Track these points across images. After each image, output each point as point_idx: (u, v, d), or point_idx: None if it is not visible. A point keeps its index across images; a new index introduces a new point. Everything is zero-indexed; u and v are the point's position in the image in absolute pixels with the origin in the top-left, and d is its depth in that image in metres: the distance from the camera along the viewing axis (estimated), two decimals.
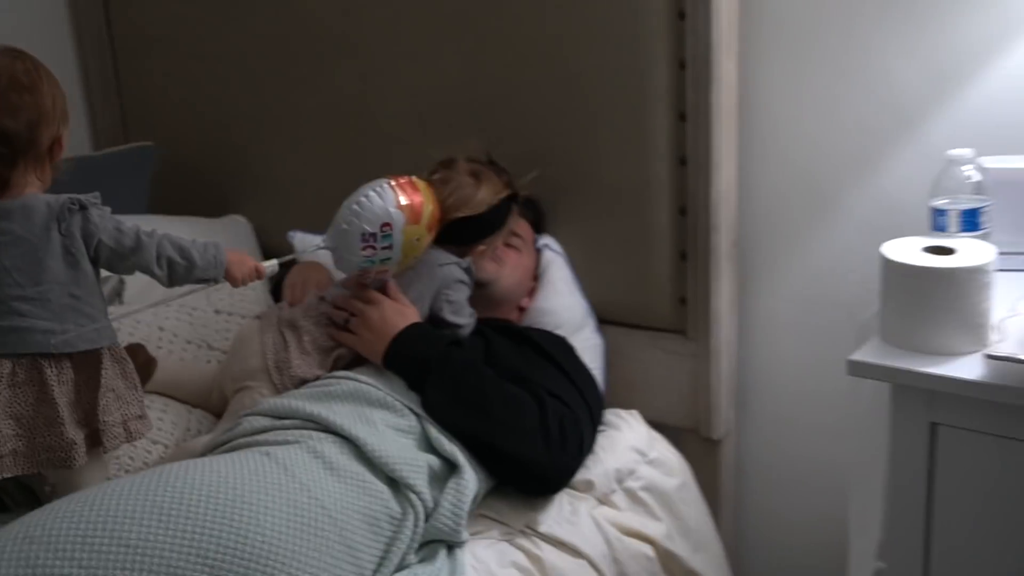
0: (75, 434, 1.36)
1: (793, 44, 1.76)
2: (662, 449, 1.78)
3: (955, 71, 1.61)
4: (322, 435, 1.43)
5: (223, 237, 2.19)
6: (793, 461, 1.94)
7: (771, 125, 1.82)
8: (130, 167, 2.34)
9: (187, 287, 1.53)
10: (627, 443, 1.73)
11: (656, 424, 1.85)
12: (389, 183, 1.62)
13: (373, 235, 1.58)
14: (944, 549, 1.24)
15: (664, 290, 1.87)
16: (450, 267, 1.71)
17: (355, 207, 1.60)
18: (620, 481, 1.67)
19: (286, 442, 1.41)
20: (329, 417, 1.45)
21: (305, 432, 1.44)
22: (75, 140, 2.52)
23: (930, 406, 1.21)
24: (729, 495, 1.95)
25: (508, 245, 1.85)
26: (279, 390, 1.60)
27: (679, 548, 1.68)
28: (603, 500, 1.63)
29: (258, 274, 1.56)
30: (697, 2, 1.69)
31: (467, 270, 1.73)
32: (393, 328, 1.60)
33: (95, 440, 1.39)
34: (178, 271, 1.46)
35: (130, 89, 2.56)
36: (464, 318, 1.70)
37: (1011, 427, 1.16)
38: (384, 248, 1.60)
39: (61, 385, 1.37)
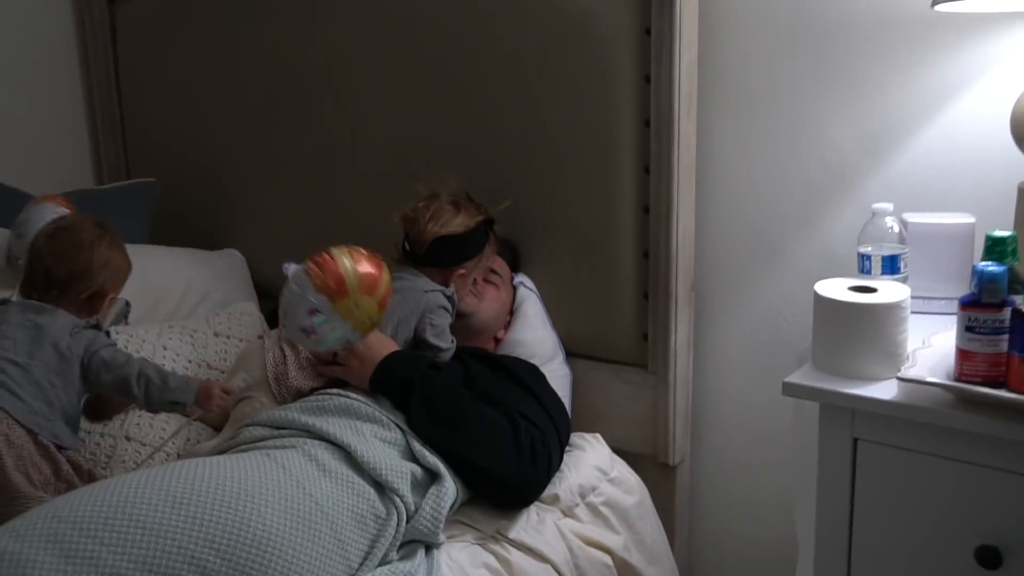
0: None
1: (746, 109, 1.92)
2: (622, 470, 1.93)
3: (884, 137, 1.78)
4: (316, 442, 1.58)
5: (219, 270, 2.37)
6: (743, 485, 2.07)
7: (725, 180, 1.97)
8: (133, 201, 2.46)
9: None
10: (590, 462, 1.88)
11: (617, 450, 1.98)
12: (304, 269, 1.63)
13: (308, 327, 1.61)
14: (864, 548, 1.40)
15: (627, 327, 2.00)
16: (435, 294, 1.87)
17: (282, 308, 1.64)
18: (583, 496, 1.81)
19: (284, 447, 1.56)
20: (322, 427, 1.60)
21: (300, 439, 1.58)
22: (81, 174, 2.72)
23: (852, 423, 1.37)
24: (684, 516, 2.09)
25: (487, 281, 2.01)
26: (277, 400, 1.75)
27: (635, 559, 1.83)
28: (567, 512, 1.77)
29: (227, 392, 1.71)
30: (661, 68, 1.84)
31: (450, 298, 1.88)
32: (377, 355, 1.74)
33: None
34: (152, 391, 1.65)
35: (133, 128, 2.70)
36: (445, 343, 1.85)
37: (920, 442, 1.32)
38: (324, 328, 1.61)
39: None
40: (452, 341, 1.87)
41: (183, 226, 2.55)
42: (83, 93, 2.72)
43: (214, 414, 1.80)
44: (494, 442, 1.69)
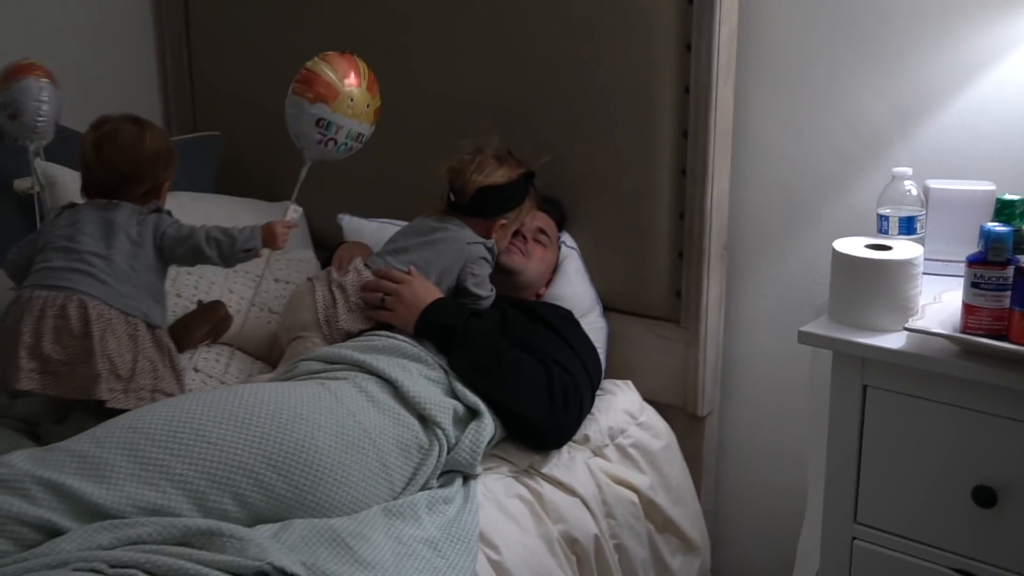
0: (103, 369, 1.66)
1: (783, 77, 2.01)
2: (651, 416, 2.05)
3: (913, 106, 1.86)
4: (366, 376, 1.71)
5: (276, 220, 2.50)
6: (769, 437, 2.17)
7: (759, 145, 2.06)
8: (200, 153, 2.61)
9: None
10: (620, 407, 2.00)
11: (649, 400, 2.10)
12: (292, 90, 1.88)
13: (321, 137, 1.85)
14: (870, 487, 1.51)
15: (662, 284, 2.10)
16: (476, 246, 1.99)
17: (294, 135, 1.88)
18: (612, 438, 1.93)
19: (337, 379, 1.69)
20: (372, 363, 1.73)
21: (352, 373, 1.72)
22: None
23: (863, 371, 1.48)
24: (711, 465, 2.20)
25: (536, 241, 2.12)
26: (328, 341, 1.89)
27: (660, 499, 1.95)
28: (597, 452, 1.90)
29: (288, 227, 1.88)
30: (701, 36, 1.93)
31: (490, 250, 2.00)
32: (423, 302, 1.87)
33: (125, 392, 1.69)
34: (224, 247, 1.81)
35: (202, 84, 2.84)
36: (485, 291, 1.98)
37: (925, 389, 1.42)
38: (337, 132, 1.85)
39: (100, 330, 1.69)
40: (492, 290, 1.99)
41: (245, 179, 2.68)
42: (156, 50, 2.88)
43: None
44: (528, 388, 1.81)
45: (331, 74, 1.84)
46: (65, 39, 2.60)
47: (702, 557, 2.06)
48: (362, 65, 1.88)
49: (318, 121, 1.82)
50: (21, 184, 2.21)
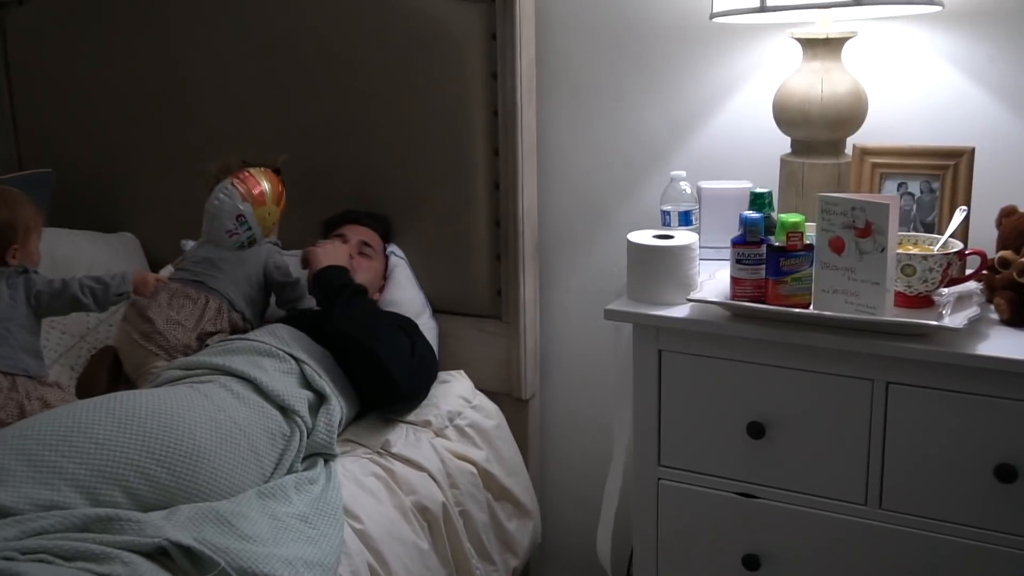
0: None
1: (578, 100, 2.31)
2: (482, 400, 2.32)
3: (686, 121, 2.20)
4: (227, 377, 1.90)
5: (116, 250, 2.63)
6: (584, 413, 2.47)
7: (561, 159, 2.36)
8: (32, 189, 2.64)
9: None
10: (456, 393, 2.26)
11: (479, 389, 2.34)
12: (232, 183, 2.15)
13: (233, 227, 2.12)
14: (669, 434, 1.82)
15: (483, 284, 2.36)
16: (265, 244, 2.26)
17: (212, 211, 2.14)
18: (451, 420, 2.19)
19: (203, 381, 1.88)
20: (230, 365, 1.92)
21: (214, 375, 1.91)
22: None
23: (657, 338, 1.79)
24: (536, 440, 2.48)
25: (362, 254, 2.34)
26: (168, 357, 2.08)
27: (495, 470, 2.21)
28: (438, 433, 2.14)
29: (158, 282, 2.11)
30: (505, 66, 2.20)
31: (275, 243, 2.28)
32: (323, 262, 2.14)
33: None
34: (98, 294, 2.03)
35: (25, 124, 2.90)
36: (292, 276, 2.24)
37: (703, 348, 1.75)
38: (246, 231, 2.14)
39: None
40: (298, 277, 2.26)
41: (79, 212, 2.76)
42: None
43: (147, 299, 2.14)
44: (396, 346, 2.06)
45: (267, 186, 2.14)
46: None
47: (534, 520, 2.34)
48: (283, 189, 2.20)
49: (239, 216, 2.10)
50: None
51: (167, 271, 2.20)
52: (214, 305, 2.17)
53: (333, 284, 2.10)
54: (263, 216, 2.15)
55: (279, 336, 2.04)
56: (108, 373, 2.14)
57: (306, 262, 2.18)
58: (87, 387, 2.10)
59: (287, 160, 2.32)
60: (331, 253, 2.17)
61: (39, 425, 1.66)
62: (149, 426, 1.69)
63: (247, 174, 2.15)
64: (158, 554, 1.52)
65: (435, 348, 2.35)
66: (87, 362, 2.19)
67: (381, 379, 2.03)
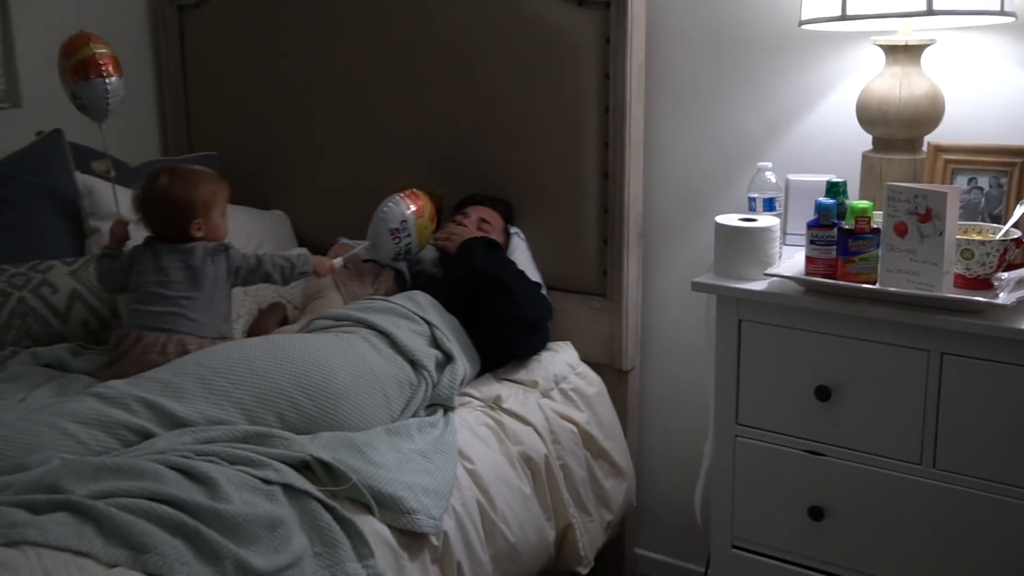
0: None
1: (681, 98, 2.53)
2: (585, 368, 2.56)
3: (780, 119, 2.40)
4: (367, 331, 2.21)
5: (269, 225, 2.98)
6: (680, 387, 2.68)
7: (665, 152, 2.58)
8: None
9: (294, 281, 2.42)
10: (563, 360, 2.51)
11: (584, 360, 2.58)
12: (399, 195, 2.44)
13: (397, 230, 2.39)
14: (746, 395, 2.04)
15: (591, 265, 2.59)
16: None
17: (381, 215, 2.41)
18: (556, 383, 2.44)
19: (347, 331, 2.19)
20: (371, 320, 2.22)
21: (357, 328, 2.21)
22: (150, 149, 3.29)
23: (738, 309, 2.02)
24: (635, 409, 2.70)
25: (479, 229, 2.58)
26: (344, 300, 2.39)
27: (595, 432, 2.45)
28: (544, 394, 2.40)
29: (332, 268, 2.43)
30: (617, 68, 2.43)
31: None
32: (466, 236, 2.45)
33: None
34: (286, 271, 2.35)
35: (196, 113, 3.28)
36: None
37: (779, 319, 1.96)
38: (406, 237, 2.41)
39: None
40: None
41: (239, 192, 3.05)
42: (155, 85, 3.32)
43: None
44: (527, 291, 2.38)
45: (426, 203, 2.46)
46: None
47: (628, 482, 2.56)
48: (436, 214, 2.53)
49: (403, 221, 2.40)
50: (98, 166, 2.54)
51: (339, 262, 2.50)
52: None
53: (478, 242, 2.41)
54: (421, 227, 2.43)
55: (416, 302, 2.33)
56: (275, 325, 2.47)
57: (445, 247, 2.48)
58: (256, 333, 2.43)
59: (446, 194, 2.63)
60: (464, 231, 2.47)
61: (214, 356, 1.99)
62: (300, 364, 2.00)
63: (412, 191, 2.46)
64: (301, 467, 1.82)
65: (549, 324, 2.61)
66: (257, 314, 2.52)
67: (508, 305, 2.32)
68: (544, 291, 2.65)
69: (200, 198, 2.32)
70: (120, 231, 2.38)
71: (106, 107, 2.39)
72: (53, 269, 2.51)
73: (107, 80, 2.38)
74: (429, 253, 2.59)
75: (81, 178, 2.69)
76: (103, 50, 2.40)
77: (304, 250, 2.43)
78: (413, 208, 2.42)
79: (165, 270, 2.25)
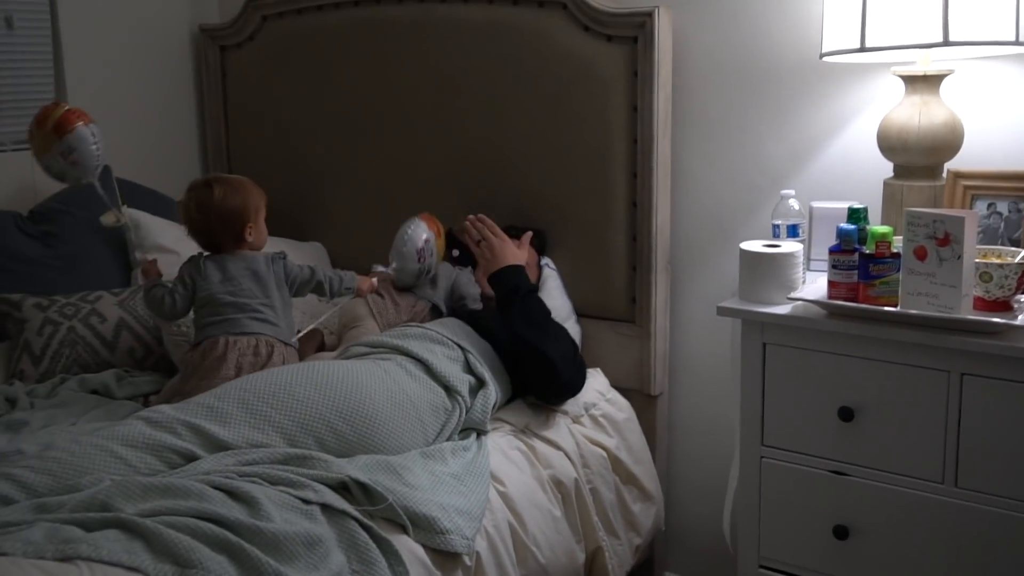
0: None
1: (707, 130, 2.59)
2: (615, 395, 2.61)
3: (803, 149, 2.46)
4: (403, 357, 2.27)
5: (308, 256, 3.07)
6: (708, 412, 2.73)
7: (692, 182, 2.64)
8: None
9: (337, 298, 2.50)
10: (593, 387, 2.55)
11: (614, 386, 2.63)
12: (418, 218, 2.54)
13: (421, 250, 2.48)
14: (771, 417, 2.08)
15: (620, 292, 2.65)
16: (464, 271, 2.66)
17: (406, 237, 2.50)
18: (587, 409, 2.48)
19: (384, 358, 2.26)
20: (407, 347, 2.28)
21: (392, 355, 2.28)
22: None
23: (762, 333, 2.07)
24: (663, 434, 2.75)
25: None
26: (380, 328, 2.47)
27: (624, 457, 2.50)
28: (575, 420, 2.44)
29: (372, 286, 2.51)
30: (644, 100, 2.50)
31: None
32: (503, 260, 2.44)
33: None
34: (334, 285, 2.44)
35: (237, 150, 3.38)
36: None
37: (802, 342, 2.01)
38: (429, 257, 2.50)
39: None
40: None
41: (277, 225, 3.16)
42: (197, 122, 3.44)
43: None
44: (564, 349, 2.37)
45: (440, 225, 2.57)
46: (121, 116, 3.16)
47: (657, 507, 2.60)
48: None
49: (426, 240, 2.50)
50: (107, 219, 2.56)
51: (374, 281, 2.57)
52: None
53: (509, 284, 2.41)
54: (440, 248, 2.54)
55: (450, 328, 2.40)
56: (312, 351, 2.55)
57: (480, 251, 2.48)
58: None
59: (460, 229, 2.69)
60: (515, 252, 2.48)
61: (257, 381, 2.07)
62: (338, 389, 2.07)
63: (426, 214, 2.56)
64: (339, 488, 1.88)
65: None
66: (298, 342, 2.60)
67: (549, 375, 2.33)
68: (575, 320, 2.71)
69: (252, 204, 2.42)
70: (154, 269, 2.44)
71: (96, 154, 2.42)
72: (101, 299, 2.62)
73: (89, 127, 2.41)
74: (471, 289, 2.64)
75: (126, 211, 2.79)
76: (72, 107, 2.44)
77: (351, 272, 2.49)
78: (433, 229, 2.53)
79: (234, 279, 2.33)
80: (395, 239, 2.52)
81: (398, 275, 2.55)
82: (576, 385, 2.40)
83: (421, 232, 2.50)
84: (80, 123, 2.39)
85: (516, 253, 2.49)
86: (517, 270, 2.44)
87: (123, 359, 2.58)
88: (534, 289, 2.47)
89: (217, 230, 2.38)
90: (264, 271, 2.36)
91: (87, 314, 2.57)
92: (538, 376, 2.36)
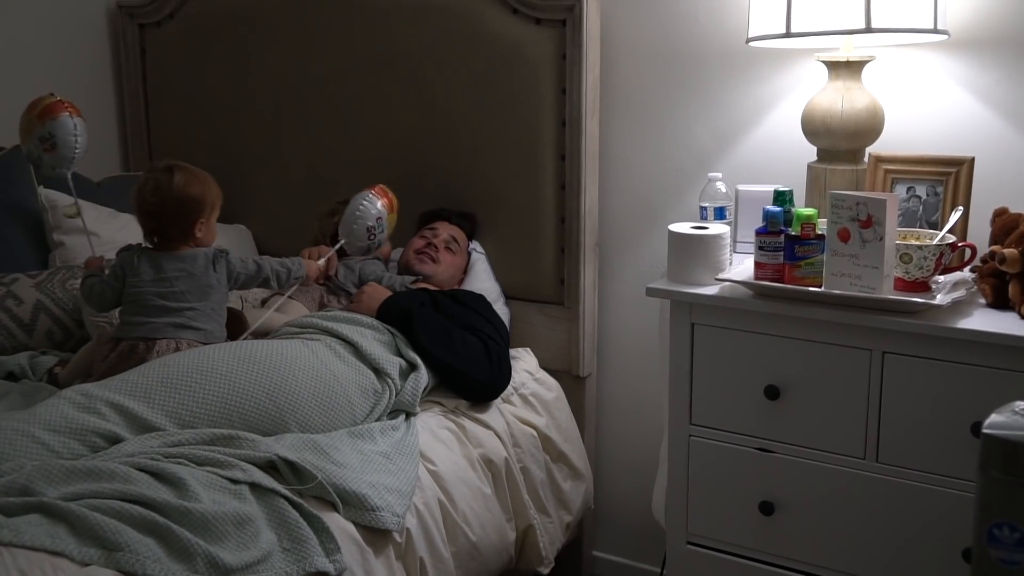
0: None
1: (634, 113, 2.62)
2: (544, 375, 2.63)
3: (728, 132, 2.50)
4: (332, 339, 2.26)
5: (232, 238, 3.02)
6: (635, 391, 2.76)
7: (620, 164, 2.67)
8: None
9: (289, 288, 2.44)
10: (522, 367, 2.57)
11: (543, 367, 2.65)
12: (371, 192, 2.51)
13: (372, 227, 2.46)
14: (698, 397, 2.12)
15: (549, 274, 2.67)
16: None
17: (358, 212, 2.48)
18: (516, 389, 2.50)
19: (313, 339, 2.23)
20: (337, 329, 2.27)
21: (322, 336, 2.26)
22: (110, 164, 3.31)
23: (691, 313, 2.10)
24: (592, 414, 2.78)
25: (448, 249, 2.67)
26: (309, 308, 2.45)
27: (554, 435, 2.52)
28: (505, 400, 2.45)
29: (321, 271, 2.47)
30: (573, 83, 2.52)
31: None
32: (381, 296, 2.43)
33: None
34: (282, 277, 2.37)
35: (157, 128, 3.31)
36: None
37: (730, 322, 2.05)
38: (380, 233, 2.48)
39: None
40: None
41: None
42: (115, 100, 3.35)
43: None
44: (474, 357, 2.36)
45: (393, 198, 2.57)
46: (36, 93, 3.04)
47: (587, 485, 2.64)
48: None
49: (378, 219, 2.49)
50: (68, 211, 2.63)
51: (321, 263, 2.54)
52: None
53: (397, 312, 2.37)
54: (390, 222, 2.52)
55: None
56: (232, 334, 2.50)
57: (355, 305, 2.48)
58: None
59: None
60: (373, 294, 2.46)
61: (181, 359, 2.03)
62: (265, 367, 2.05)
63: (380, 187, 2.54)
64: (268, 467, 1.87)
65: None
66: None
67: (466, 385, 2.36)
68: (503, 303, 2.72)
69: (210, 198, 2.32)
70: (96, 263, 2.36)
71: (74, 145, 2.45)
72: (17, 281, 2.54)
73: (74, 119, 2.46)
74: (395, 280, 2.63)
75: (44, 192, 2.72)
76: (64, 99, 2.51)
77: (298, 259, 2.45)
78: (385, 203, 2.51)
79: (168, 280, 2.23)
80: (346, 212, 2.51)
81: (347, 248, 2.53)
82: (498, 383, 2.40)
83: (372, 209, 2.49)
84: (66, 113, 2.47)
85: (380, 288, 2.50)
86: (394, 299, 2.44)
87: (41, 342, 2.51)
88: (424, 301, 2.44)
89: (169, 217, 2.26)
90: (201, 271, 2.25)
91: (2, 296, 2.49)
92: (454, 386, 2.37)
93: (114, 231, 2.74)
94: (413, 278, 2.62)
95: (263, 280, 2.35)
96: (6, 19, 2.99)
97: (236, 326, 2.39)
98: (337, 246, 2.51)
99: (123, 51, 3.30)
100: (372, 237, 2.48)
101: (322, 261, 2.50)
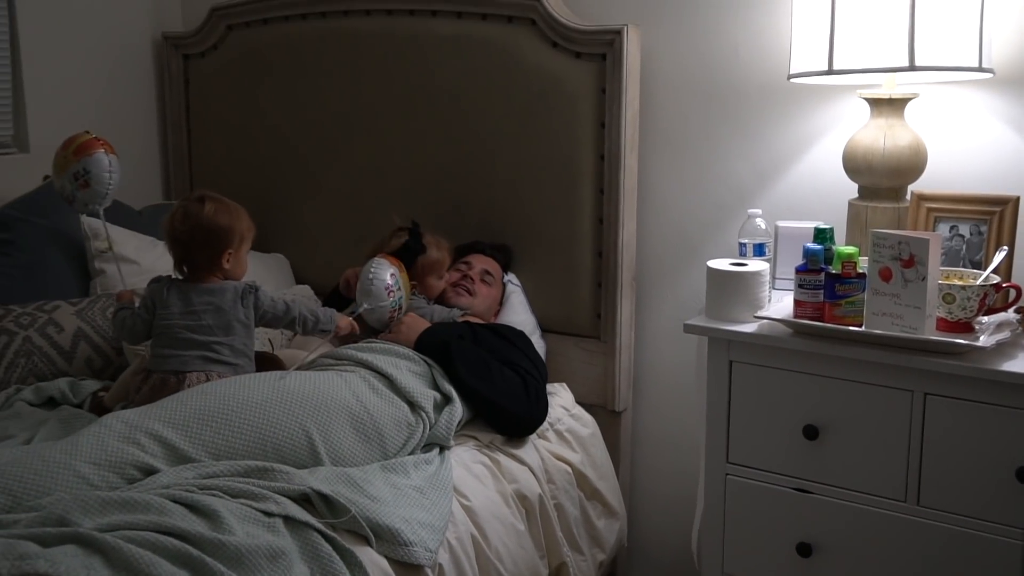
0: None
1: (673, 147, 2.61)
2: (580, 410, 2.61)
3: (769, 168, 2.48)
4: (367, 371, 2.26)
5: (270, 266, 3.04)
6: (672, 428, 2.74)
7: (658, 199, 2.66)
8: None
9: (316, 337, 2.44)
10: (558, 402, 2.56)
11: (578, 401, 2.64)
12: (377, 258, 2.46)
13: (390, 286, 2.40)
14: (737, 434, 2.09)
15: (585, 308, 2.66)
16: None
17: (371, 275, 2.42)
18: (552, 425, 2.48)
19: (347, 371, 2.24)
20: (373, 361, 2.27)
21: (357, 368, 2.26)
22: (152, 193, 3.35)
23: (728, 350, 2.08)
24: (627, 449, 2.76)
25: (483, 281, 2.66)
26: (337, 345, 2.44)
27: (588, 472, 2.50)
28: (540, 435, 2.43)
29: (353, 328, 2.42)
30: (612, 117, 2.52)
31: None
32: (420, 326, 2.43)
33: None
34: (308, 324, 2.34)
35: (199, 158, 3.35)
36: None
37: (768, 360, 2.03)
38: (396, 290, 2.42)
39: None
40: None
41: None
42: (159, 129, 3.40)
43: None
44: (512, 391, 2.35)
45: (397, 262, 2.49)
46: (81, 123, 3.07)
47: (620, 522, 2.61)
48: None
49: (392, 275, 2.43)
50: (100, 245, 2.66)
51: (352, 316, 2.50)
52: None
53: (437, 344, 2.37)
54: (405, 282, 2.47)
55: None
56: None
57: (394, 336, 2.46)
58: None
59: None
60: (413, 324, 2.46)
61: (218, 389, 2.04)
62: (296, 398, 2.05)
63: (382, 254, 2.48)
64: (301, 500, 1.86)
65: None
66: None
67: (502, 419, 2.34)
68: (539, 336, 2.71)
69: (239, 229, 2.31)
70: (128, 296, 2.37)
71: (108, 181, 2.45)
72: (59, 309, 2.57)
73: (108, 156, 2.45)
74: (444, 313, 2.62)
75: (86, 221, 2.75)
76: (100, 136, 2.51)
77: (331, 310, 2.42)
78: (395, 266, 2.47)
79: (196, 313, 2.22)
80: (359, 281, 2.44)
81: (369, 315, 2.49)
82: (535, 418, 2.39)
83: (385, 270, 2.43)
84: (101, 150, 2.46)
85: (418, 319, 2.49)
86: (433, 330, 2.43)
87: (81, 370, 2.53)
88: (462, 334, 2.43)
89: (197, 245, 2.25)
90: (230, 306, 2.24)
91: (43, 324, 2.52)
92: (490, 419, 2.36)
93: (153, 259, 2.76)
94: (462, 312, 2.61)
95: (289, 322, 2.33)
96: (55, 50, 3.05)
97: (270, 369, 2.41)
98: (356, 311, 2.48)
99: (167, 81, 3.35)
100: (391, 295, 2.41)
101: (347, 323, 2.46)
